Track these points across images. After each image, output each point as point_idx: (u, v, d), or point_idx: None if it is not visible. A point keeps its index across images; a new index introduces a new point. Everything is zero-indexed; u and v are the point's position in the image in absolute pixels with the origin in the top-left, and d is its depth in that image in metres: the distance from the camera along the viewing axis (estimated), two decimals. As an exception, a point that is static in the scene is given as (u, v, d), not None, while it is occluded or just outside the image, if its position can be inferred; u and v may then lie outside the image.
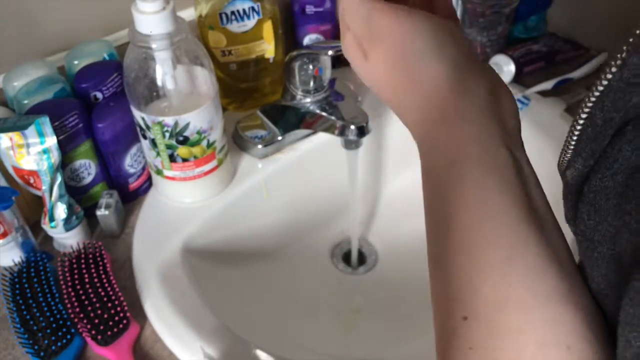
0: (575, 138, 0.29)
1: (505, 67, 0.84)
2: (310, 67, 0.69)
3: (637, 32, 0.25)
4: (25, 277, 0.60)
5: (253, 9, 0.73)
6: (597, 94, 0.27)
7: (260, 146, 0.75)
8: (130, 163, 0.69)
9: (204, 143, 0.65)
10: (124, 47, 0.61)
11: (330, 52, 0.67)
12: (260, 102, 0.80)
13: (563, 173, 0.31)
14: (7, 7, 0.65)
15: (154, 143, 0.64)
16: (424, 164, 0.33)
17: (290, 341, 0.64)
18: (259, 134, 0.75)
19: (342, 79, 0.83)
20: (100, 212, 0.66)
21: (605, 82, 0.27)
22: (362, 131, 0.68)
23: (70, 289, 0.58)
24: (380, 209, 0.86)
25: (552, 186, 0.37)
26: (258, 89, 0.81)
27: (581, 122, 0.28)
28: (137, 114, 0.62)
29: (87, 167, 0.66)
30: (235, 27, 0.74)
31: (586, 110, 0.28)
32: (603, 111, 0.27)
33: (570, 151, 0.29)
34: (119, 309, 0.58)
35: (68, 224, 0.64)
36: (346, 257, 0.80)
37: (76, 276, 0.59)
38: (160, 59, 0.59)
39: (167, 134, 0.62)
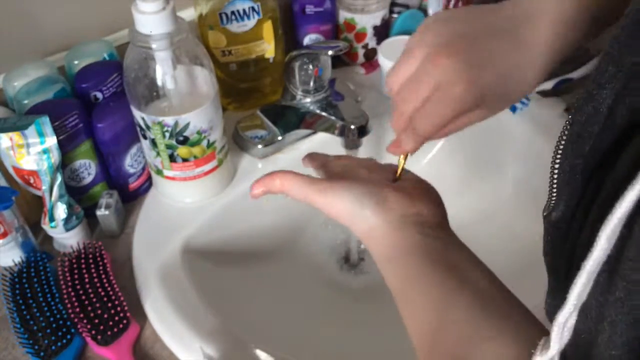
0: (555, 185, 0.33)
1: (505, 67, 0.84)
2: (310, 67, 0.69)
3: (578, 96, 0.30)
4: (25, 277, 0.60)
5: (253, 9, 0.73)
6: (561, 145, 0.32)
7: (260, 146, 0.75)
8: (130, 163, 0.69)
9: (204, 143, 0.65)
10: (124, 47, 0.61)
11: (330, 52, 0.67)
12: (260, 102, 0.80)
13: (548, 215, 0.34)
14: (7, 7, 0.65)
15: (154, 143, 0.64)
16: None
17: (290, 341, 0.64)
18: (259, 134, 0.75)
19: (342, 79, 0.83)
20: (100, 212, 0.66)
21: (566, 133, 0.32)
22: (362, 131, 0.68)
23: (70, 289, 0.59)
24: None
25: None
26: (258, 89, 0.81)
27: (556, 169, 0.33)
28: (137, 114, 0.62)
29: (87, 167, 0.67)
30: (235, 27, 0.74)
31: (557, 159, 0.33)
32: (567, 159, 0.31)
33: (554, 197, 0.34)
34: (119, 309, 0.58)
35: (68, 224, 0.64)
36: (346, 257, 0.79)
37: (76, 276, 0.59)
38: (160, 59, 0.59)
39: (167, 134, 0.62)
